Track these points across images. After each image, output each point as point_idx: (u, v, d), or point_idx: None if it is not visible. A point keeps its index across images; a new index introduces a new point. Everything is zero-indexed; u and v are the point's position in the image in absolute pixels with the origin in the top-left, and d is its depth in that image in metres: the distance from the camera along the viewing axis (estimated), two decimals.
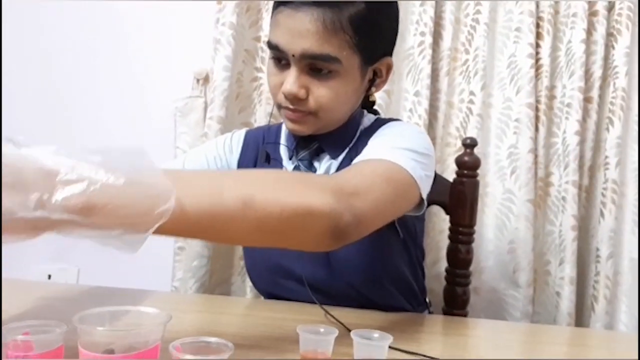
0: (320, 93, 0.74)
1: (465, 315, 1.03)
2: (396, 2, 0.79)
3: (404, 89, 1.26)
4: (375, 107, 0.91)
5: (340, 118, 0.80)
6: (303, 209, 0.53)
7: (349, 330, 0.59)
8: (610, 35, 1.26)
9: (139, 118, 1.41)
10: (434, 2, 1.24)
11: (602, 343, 0.82)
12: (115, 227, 0.42)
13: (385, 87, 0.94)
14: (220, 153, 0.90)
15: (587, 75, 1.25)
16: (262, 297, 0.94)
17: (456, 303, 1.02)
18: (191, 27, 1.36)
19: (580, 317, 1.29)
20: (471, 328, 0.83)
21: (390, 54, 0.80)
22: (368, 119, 0.87)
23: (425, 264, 0.99)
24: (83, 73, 1.44)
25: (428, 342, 0.72)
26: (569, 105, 1.24)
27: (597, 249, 1.26)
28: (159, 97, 1.35)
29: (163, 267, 1.29)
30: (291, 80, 0.73)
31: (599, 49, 1.25)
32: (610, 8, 1.25)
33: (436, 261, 1.28)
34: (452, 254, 1.03)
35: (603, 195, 1.26)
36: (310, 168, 0.83)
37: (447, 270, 1.04)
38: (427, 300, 0.96)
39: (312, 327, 0.58)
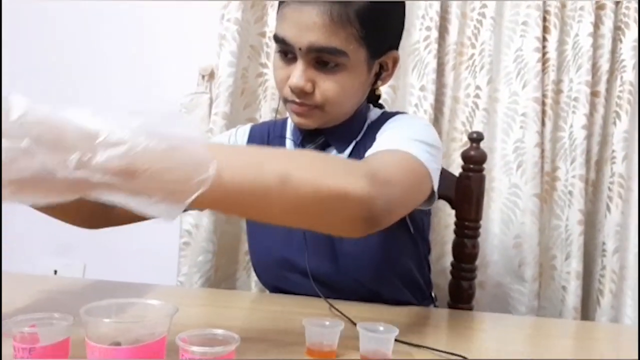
0: (327, 87, 0.74)
1: (470, 310, 1.02)
2: None
3: (409, 83, 1.26)
4: (380, 101, 0.90)
5: (347, 112, 0.80)
6: (339, 191, 0.52)
7: (354, 324, 0.59)
8: (617, 29, 1.25)
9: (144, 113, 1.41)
10: None
11: (607, 336, 0.82)
12: (154, 194, 0.41)
13: (391, 82, 0.93)
14: None
15: (594, 69, 1.24)
16: (267, 292, 0.94)
17: (462, 297, 1.02)
18: (196, 23, 1.36)
19: (586, 311, 1.28)
20: (477, 321, 0.83)
21: (397, 48, 0.80)
22: (374, 113, 0.86)
23: (431, 258, 0.99)
24: (88, 69, 1.44)
25: (433, 335, 0.72)
26: (575, 99, 1.23)
27: (604, 243, 1.25)
28: (165, 93, 1.35)
29: (168, 262, 1.29)
30: (298, 73, 0.73)
31: (606, 43, 1.23)
32: (618, 1, 1.24)
33: (441, 256, 1.27)
34: (457, 248, 1.03)
35: (610, 189, 1.25)
36: None
37: (452, 265, 1.04)
38: (433, 294, 0.96)
39: (317, 320, 0.58)
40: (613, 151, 1.25)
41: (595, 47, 1.23)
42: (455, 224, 1.03)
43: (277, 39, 0.74)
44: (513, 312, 1.25)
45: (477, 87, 1.25)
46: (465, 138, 1.24)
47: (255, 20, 1.27)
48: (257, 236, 0.88)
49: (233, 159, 0.48)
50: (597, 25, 1.23)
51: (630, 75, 1.23)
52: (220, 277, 1.29)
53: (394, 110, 1.00)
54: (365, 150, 0.72)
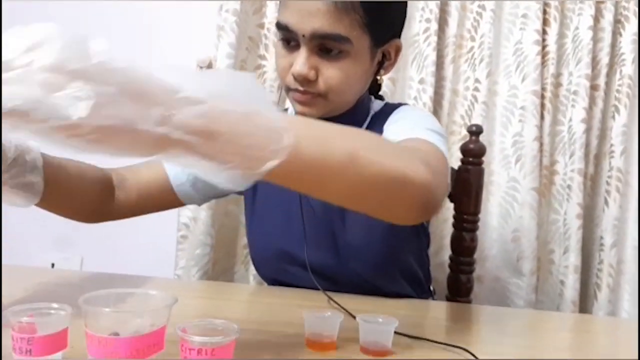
0: (330, 74, 0.73)
1: (469, 303, 1.02)
2: None
3: (408, 76, 1.25)
4: (380, 93, 0.90)
5: (350, 100, 0.79)
6: (402, 175, 0.51)
7: (354, 317, 0.59)
8: (617, 22, 1.25)
9: None
10: None
11: (604, 329, 0.82)
12: (230, 159, 0.39)
13: (390, 74, 0.93)
14: None
15: (594, 62, 1.24)
16: (266, 285, 0.93)
17: (460, 291, 1.02)
18: (194, 14, 1.35)
19: (584, 306, 1.29)
20: (475, 314, 0.83)
21: (399, 36, 0.80)
22: (377, 104, 0.86)
23: (430, 252, 0.99)
24: None
25: (432, 328, 0.72)
26: (575, 92, 1.23)
27: (601, 238, 1.25)
28: None
29: (166, 255, 1.29)
30: (301, 61, 0.72)
31: (606, 36, 1.23)
32: None
33: (440, 249, 1.27)
34: (456, 242, 1.03)
35: (608, 183, 1.25)
36: None
37: (451, 258, 1.04)
38: (432, 288, 0.96)
39: (317, 312, 0.58)
40: (611, 145, 1.25)
41: (595, 40, 1.23)
42: (454, 217, 1.03)
43: (280, 26, 0.73)
44: (511, 306, 1.25)
45: (477, 80, 1.25)
46: (464, 131, 1.24)
47: (254, 11, 1.27)
48: (257, 228, 0.87)
49: (306, 131, 0.45)
50: (597, 18, 1.23)
51: (629, 68, 1.23)
52: (218, 271, 1.28)
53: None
54: None
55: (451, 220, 1.04)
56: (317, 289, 0.75)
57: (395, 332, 0.57)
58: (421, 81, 1.23)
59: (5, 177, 0.60)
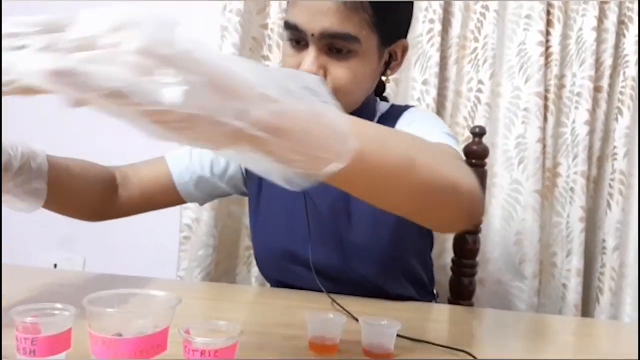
0: (339, 73, 0.73)
1: (471, 306, 1.02)
2: None
3: (412, 77, 1.25)
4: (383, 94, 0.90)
5: (357, 100, 0.79)
6: (455, 183, 0.51)
7: (356, 319, 0.59)
8: (621, 23, 1.24)
9: None
10: None
11: (606, 333, 0.82)
12: (295, 158, 0.38)
13: (393, 75, 0.93)
14: None
15: (598, 63, 1.24)
16: (268, 286, 0.93)
17: (462, 294, 1.02)
18: (198, 14, 1.35)
19: (586, 309, 1.28)
20: (478, 317, 0.82)
21: (405, 36, 0.80)
22: (383, 105, 0.86)
23: (432, 254, 0.98)
24: None
25: (435, 330, 0.72)
26: (578, 94, 1.23)
27: (604, 241, 1.25)
28: None
29: (168, 256, 1.29)
30: (309, 60, 0.72)
31: (610, 37, 1.23)
32: None
33: (442, 252, 1.27)
34: (458, 244, 1.02)
35: (610, 186, 1.25)
36: None
37: (453, 261, 1.04)
38: (435, 291, 0.96)
39: (320, 314, 0.58)
40: (614, 147, 1.24)
41: (599, 41, 1.23)
42: None
43: (289, 25, 0.73)
44: (513, 309, 1.25)
45: (480, 81, 1.25)
46: (467, 132, 1.24)
47: (258, 11, 1.26)
48: (261, 228, 0.87)
49: (367, 134, 0.44)
50: (601, 19, 1.23)
51: (633, 70, 1.22)
52: (220, 272, 1.28)
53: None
54: None
55: None
56: (320, 290, 0.75)
57: (398, 335, 0.57)
58: (424, 82, 1.23)
59: (11, 184, 0.61)
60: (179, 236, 1.25)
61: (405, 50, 0.81)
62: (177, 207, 0.95)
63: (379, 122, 0.83)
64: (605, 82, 1.24)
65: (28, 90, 0.33)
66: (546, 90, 1.23)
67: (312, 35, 0.71)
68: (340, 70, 0.73)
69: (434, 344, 0.60)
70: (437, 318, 0.79)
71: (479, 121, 1.24)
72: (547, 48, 1.23)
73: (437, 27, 1.22)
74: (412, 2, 0.80)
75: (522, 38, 1.23)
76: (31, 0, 1.42)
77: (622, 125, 1.23)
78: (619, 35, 1.24)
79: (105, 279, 0.83)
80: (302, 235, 0.79)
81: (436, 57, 1.22)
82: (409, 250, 0.84)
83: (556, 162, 1.27)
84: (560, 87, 1.26)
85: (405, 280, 0.84)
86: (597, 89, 1.24)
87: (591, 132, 1.24)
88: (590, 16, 1.21)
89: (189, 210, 1.24)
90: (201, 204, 0.93)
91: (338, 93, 0.74)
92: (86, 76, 0.31)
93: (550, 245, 1.28)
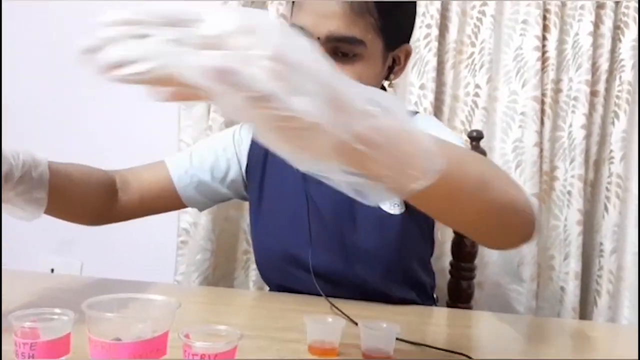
0: None
1: (469, 309, 1.02)
2: None
3: (409, 82, 1.26)
4: None
5: None
6: (520, 203, 0.52)
7: (355, 323, 0.59)
8: (617, 28, 1.25)
9: (143, 111, 1.40)
10: None
11: (604, 336, 0.82)
12: (386, 173, 0.38)
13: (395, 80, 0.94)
14: (229, 143, 0.89)
15: (594, 68, 1.24)
16: (267, 289, 0.93)
17: (461, 297, 1.02)
18: None
19: (584, 312, 1.28)
20: (477, 320, 0.83)
21: (408, 41, 0.80)
22: None
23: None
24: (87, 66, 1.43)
25: (434, 334, 0.72)
26: (575, 98, 1.23)
27: (601, 244, 1.25)
28: None
29: (166, 261, 1.29)
30: None
31: (606, 42, 1.24)
32: (618, 1, 1.25)
33: (440, 255, 1.27)
34: (457, 247, 1.03)
35: (607, 189, 1.25)
36: None
37: (451, 264, 1.04)
38: (435, 296, 0.96)
39: (319, 318, 0.58)
40: (611, 151, 1.25)
41: (595, 46, 1.23)
42: None
43: (294, 28, 0.73)
44: (511, 312, 1.25)
45: (477, 86, 1.25)
46: (464, 137, 1.24)
47: None
48: (262, 231, 0.87)
49: (449, 153, 0.44)
50: (597, 24, 1.23)
51: (629, 75, 1.23)
52: (218, 276, 1.28)
53: None
54: None
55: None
56: (321, 294, 0.75)
57: (397, 339, 0.57)
58: (422, 87, 1.24)
59: (11, 194, 0.61)
60: (177, 240, 1.25)
61: (408, 54, 0.81)
62: (175, 212, 0.95)
63: None
64: (601, 87, 1.25)
65: (163, 82, 0.33)
66: (543, 95, 1.24)
67: (319, 38, 0.71)
68: (346, 74, 0.73)
69: (433, 347, 0.60)
70: (436, 321, 0.79)
71: (477, 125, 1.25)
72: (544, 53, 1.24)
73: (434, 32, 1.23)
74: (415, 7, 0.80)
75: (519, 43, 1.24)
76: (32, 0, 1.43)
77: (619, 129, 1.24)
78: (615, 40, 1.25)
79: (103, 284, 0.83)
80: (304, 239, 0.79)
81: (433, 62, 1.23)
82: (412, 254, 0.84)
83: (553, 166, 1.27)
84: (557, 91, 1.26)
85: (408, 284, 0.84)
86: (593, 93, 1.25)
87: (588, 136, 1.25)
88: (586, 21, 1.22)
89: (187, 215, 1.24)
90: (201, 209, 0.93)
91: None
92: (242, 77, 0.32)
93: (548, 248, 1.28)
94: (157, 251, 1.34)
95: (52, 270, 1.46)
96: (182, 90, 0.34)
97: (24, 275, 0.85)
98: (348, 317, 0.67)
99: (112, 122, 1.42)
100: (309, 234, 0.79)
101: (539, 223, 0.58)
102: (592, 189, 1.30)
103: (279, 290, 0.87)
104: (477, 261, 1.03)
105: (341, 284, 0.79)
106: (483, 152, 1.02)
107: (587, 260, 1.29)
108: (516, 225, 0.54)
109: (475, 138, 1.01)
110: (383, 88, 0.84)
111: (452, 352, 0.59)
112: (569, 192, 1.24)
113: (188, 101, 0.33)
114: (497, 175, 0.51)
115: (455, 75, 1.27)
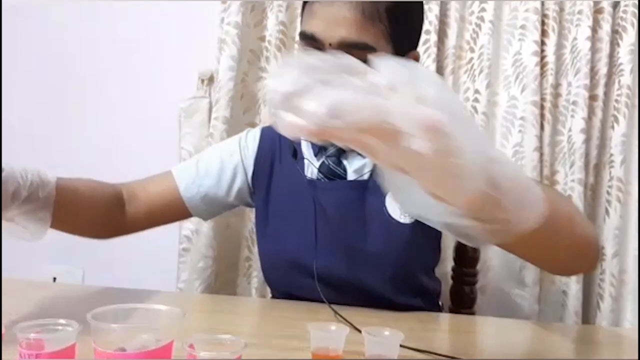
0: None
1: (472, 314, 1.02)
2: None
3: None
4: None
5: None
6: (593, 237, 0.59)
7: (359, 330, 0.59)
8: (615, 33, 1.25)
9: (144, 119, 1.41)
10: (439, 0, 1.24)
11: (608, 340, 0.82)
12: (504, 217, 0.40)
13: None
14: (235, 151, 0.89)
15: (593, 72, 1.25)
16: (269, 297, 0.93)
17: (463, 302, 1.02)
18: (196, 27, 1.36)
19: (587, 316, 1.28)
20: (480, 326, 0.83)
21: (416, 47, 0.81)
22: None
23: None
24: (88, 74, 1.44)
25: (438, 340, 0.72)
26: (574, 103, 1.24)
27: (603, 247, 1.25)
28: (164, 98, 1.35)
29: (168, 269, 1.29)
30: None
31: (604, 47, 1.24)
32: (616, 5, 1.25)
33: (442, 260, 1.26)
34: (459, 252, 1.03)
35: (608, 193, 1.25)
36: (339, 166, 0.82)
37: (453, 269, 1.04)
38: (441, 303, 0.95)
39: (323, 325, 0.58)
40: (611, 155, 1.25)
41: (594, 50, 1.24)
42: None
43: (305, 35, 0.73)
44: (514, 316, 1.24)
45: (476, 91, 1.26)
46: None
47: (255, 24, 1.28)
48: (269, 238, 0.86)
49: (547, 195, 0.45)
50: (595, 29, 1.24)
51: (627, 78, 1.23)
52: (220, 284, 1.28)
53: None
54: None
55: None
56: (327, 300, 0.75)
57: (401, 346, 0.57)
58: None
59: (16, 212, 0.61)
60: (179, 248, 1.25)
61: (416, 60, 0.82)
62: None
63: None
64: (600, 91, 1.25)
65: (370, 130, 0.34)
66: (542, 99, 1.24)
67: (330, 45, 0.71)
68: None
69: (436, 354, 0.60)
70: (440, 327, 0.79)
71: None
72: (543, 58, 1.24)
73: (433, 37, 1.23)
74: (423, 13, 0.81)
75: (518, 48, 1.24)
76: (33, 4, 1.43)
77: (619, 133, 1.24)
78: (613, 44, 1.26)
79: (106, 293, 0.83)
80: (311, 245, 0.79)
81: (433, 68, 1.23)
82: (420, 263, 0.84)
83: (553, 170, 1.28)
84: (556, 96, 1.27)
85: (414, 292, 0.84)
86: (592, 98, 1.25)
87: (587, 140, 1.25)
88: (585, 26, 1.23)
89: (189, 222, 1.24)
90: (205, 219, 0.93)
91: None
92: (449, 131, 0.34)
93: None
94: (159, 258, 1.33)
95: (54, 279, 1.45)
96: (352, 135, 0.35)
97: (26, 285, 0.85)
98: (351, 324, 0.67)
99: (113, 129, 1.43)
100: (315, 241, 0.79)
101: (601, 251, 0.64)
102: (592, 192, 1.30)
103: (284, 297, 0.86)
104: (479, 266, 1.03)
105: (348, 291, 0.79)
106: None
107: None
108: (589, 256, 0.60)
109: None
110: None
111: (455, 358, 0.59)
112: (570, 197, 1.24)
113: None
114: (577, 211, 0.56)
115: (454, 81, 1.27)
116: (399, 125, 0.33)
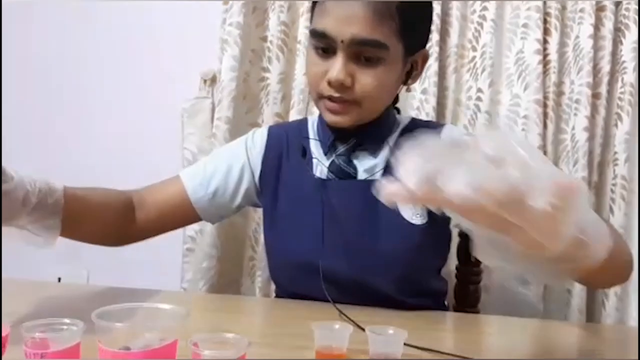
0: (366, 81, 0.74)
1: (477, 313, 1.02)
2: None
3: (411, 86, 1.26)
4: None
5: (380, 109, 0.80)
6: (631, 256, 0.65)
7: (362, 329, 0.59)
8: (617, 31, 1.25)
9: (146, 119, 1.41)
10: None
11: (613, 338, 0.81)
12: (587, 254, 0.43)
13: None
14: (242, 152, 0.89)
15: (595, 70, 1.24)
16: (274, 296, 0.93)
17: (467, 301, 1.02)
18: (198, 27, 1.36)
19: (591, 314, 1.28)
20: (485, 324, 0.82)
21: (425, 46, 0.81)
22: (403, 118, 0.88)
23: None
24: (90, 74, 1.45)
25: (442, 339, 0.71)
26: (577, 101, 1.23)
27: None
28: (166, 99, 1.35)
29: (172, 268, 1.29)
30: (338, 67, 0.72)
31: (607, 45, 1.24)
32: (618, 3, 1.25)
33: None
34: (463, 251, 1.03)
35: (612, 191, 1.25)
36: (350, 165, 0.82)
37: (457, 268, 1.04)
38: (446, 303, 0.95)
39: (326, 324, 0.58)
40: (615, 153, 1.25)
41: (596, 49, 1.24)
42: None
43: (317, 33, 0.74)
44: (518, 315, 1.24)
45: (479, 90, 1.26)
46: None
47: (257, 24, 1.28)
48: (277, 238, 0.86)
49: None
50: (597, 27, 1.24)
51: (630, 76, 1.23)
52: (224, 284, 1.28)
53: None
54: None
55: (456, 229, 1.04)
56: (334, 300, 0.74)
57: (405, 344, 0.57)
58: (424, 91, 1.24)
59: (26, 220, 0.61)
60: (183, 248, 1.25)
61: (425, 59, 0.82)
62: None
63: (402, 135, 0.84)
64: (603, 89, 1.25)
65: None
66: (545, 98, 1.24)
67: (342, 42, 0.71)
68: (368, 78, 0.73)
69: (441, 352, 0.60)
70: (444, 326, 0.79)
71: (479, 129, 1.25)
72: (545, 56, 1.24)
73: (435, 36, 1.23)
74: (432, 12, 0.82)
75: (520, 47, 1.24)
76: (33, 5, 1.44)
77: (622, 131, 1.24)
78: (616, 42, 1.25)
79: (111, 292, 0.83)
80: (319, 245, 0.79)
81: (435, 67, 1.23)
82: (428, 264, 0.84)
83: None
84: (559, 94, 1.26)
85: (422, 292, 0.83)
86: (595, 96, 1.25)
87: (591, 138, 1.24)
88: (587, 24, 1.22)
89: None
90: (213, 222, 0.93)
91: (365, 100, 0.75)
92: (580, 197, 0.38)
93: None
94: (163, 259, 1.34)
95: (59, 280, 1.46)
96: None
97: (31, 285, 0.85)
98: (355, 322, 0.67)
99: (116, 130, 1.43)
100: (322, 240, 0.78)
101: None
102: (596, 191, 1.29)
103: (291, 297, 0.86)
104: (483, 265, 1.03)
105: (355, 291, 0.79)
106: None
107: None
108: (628, 271, 0.66)
109: None
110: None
111: (460, 356, 0.59)
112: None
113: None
114: (619, 234, 0.61)
115: (457, 80, 1.27)
116: (536, 195, 0.36)
